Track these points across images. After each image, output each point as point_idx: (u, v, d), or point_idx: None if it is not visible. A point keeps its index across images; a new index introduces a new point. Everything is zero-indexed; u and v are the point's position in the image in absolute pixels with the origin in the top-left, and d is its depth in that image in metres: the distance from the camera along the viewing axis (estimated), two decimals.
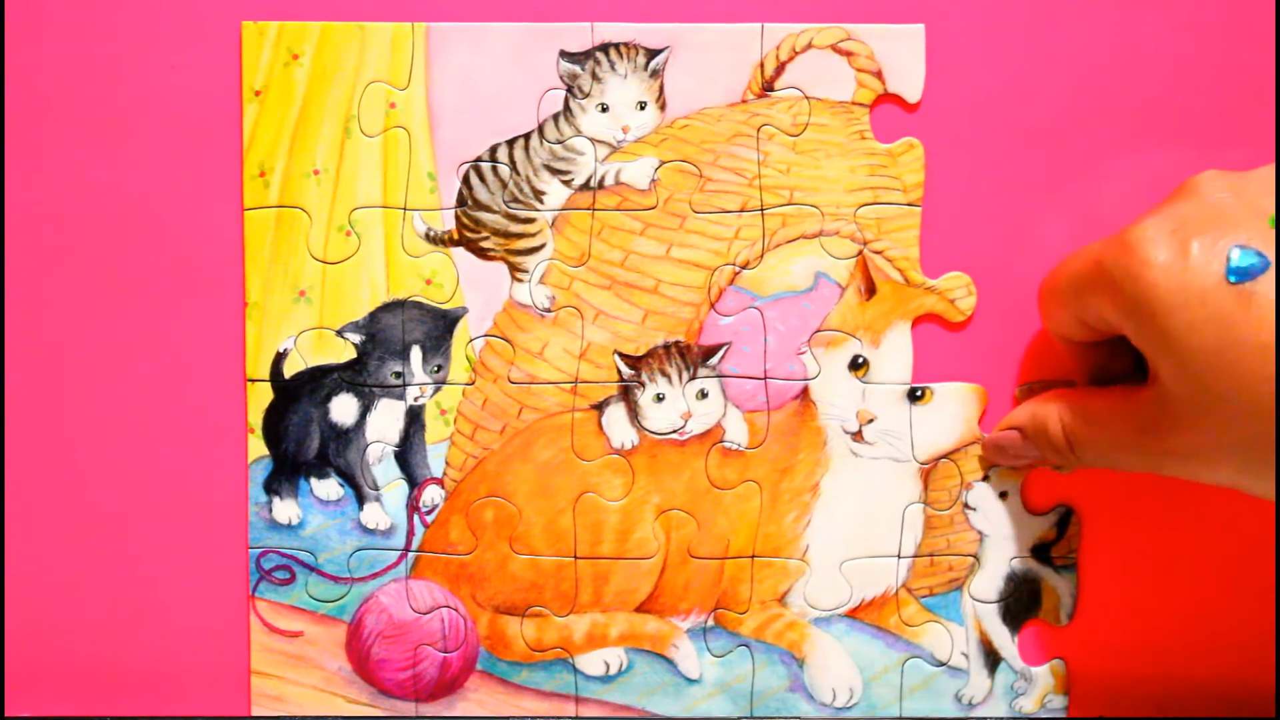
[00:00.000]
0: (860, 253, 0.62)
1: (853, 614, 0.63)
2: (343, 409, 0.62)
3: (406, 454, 0.63)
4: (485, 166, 0.61)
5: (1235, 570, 0.63)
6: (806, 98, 0.61)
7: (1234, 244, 0.48)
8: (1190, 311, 0.48)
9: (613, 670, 0.63)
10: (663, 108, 0.61)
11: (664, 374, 0.62)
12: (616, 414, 0.62)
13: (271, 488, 0.62)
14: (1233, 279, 0.47)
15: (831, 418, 0.62)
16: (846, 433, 0.62)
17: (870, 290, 0.62)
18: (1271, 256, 0.47)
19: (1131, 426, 0.52)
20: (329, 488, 0.63)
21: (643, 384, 0.62)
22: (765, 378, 0.62)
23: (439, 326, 0.62)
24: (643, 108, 0.61)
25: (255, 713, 0.63)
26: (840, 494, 0.62)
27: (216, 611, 0.63)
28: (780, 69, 0.61)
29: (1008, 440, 0.60)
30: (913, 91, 0.61)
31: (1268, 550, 0.63)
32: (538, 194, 0.61)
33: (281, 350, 0.62)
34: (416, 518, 0.63)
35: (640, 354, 0.62)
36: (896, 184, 0.61)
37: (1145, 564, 0.63)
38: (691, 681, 0.63)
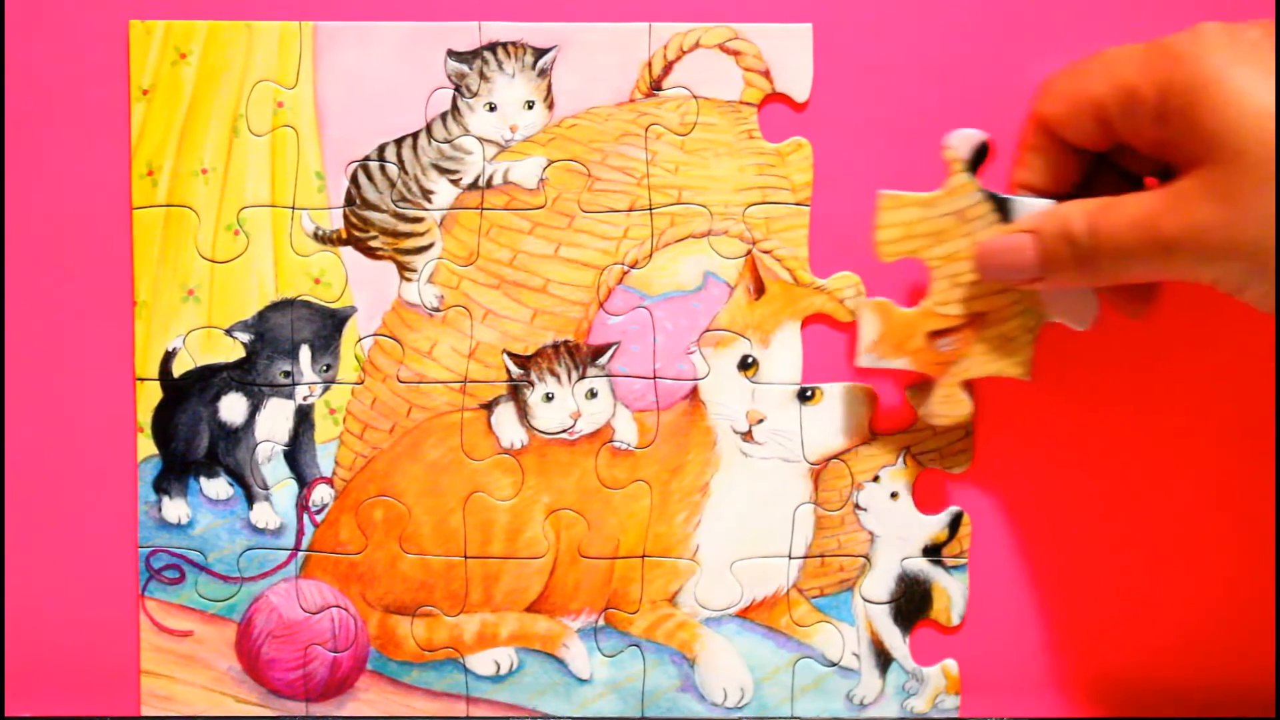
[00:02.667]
0: (749, 252, 0.62)
1: (744, 614, 0.63)
2: (232, 408, 0.62)
3: (296, 453, 0.62)
4: (373, 166, 0.61)
5: (1120, 568, 0.63)
6: (694, 97, 0.61)
7: None
8: (1255, 96, 0.47)
9: (503, 670, 0.63)
10: (551, 107, 0.61)
11: (553, 373, 0.62)
12: (506, 413, 0.62)
13: (161, 487, 0.62)
14: None
15: (721, 417, 0.62)
16: (736, 433, 0.62)
17: (759, 290, 0.62)
18: None
19: (1170, 218, 0.50)
20: (218, 487, 0.63)
21: (532, 383, 0.62)
22: (654, 377, 0.62)
23: (327, 326, 0.62)
24: (530, 107, 0.61)
25: (145, 713, 0.63)
26: (730, 494, 0.62)
27: (105, 611, 0.63)
28: (668, 68, 0.61)
29: (1013, 246, 0.55)
30: (800, 91, 0.61)
31: (1164, 548, 0.63)
32: (426, 193, 0.61)
33: (170, 349, 0.62)
34: (306, 517, 0.63)
35: (529, 353, 0.62)
36: (785, 183, 0.61)
37: (1036, 564, 0.63)
38: (582, 681, 0.63)
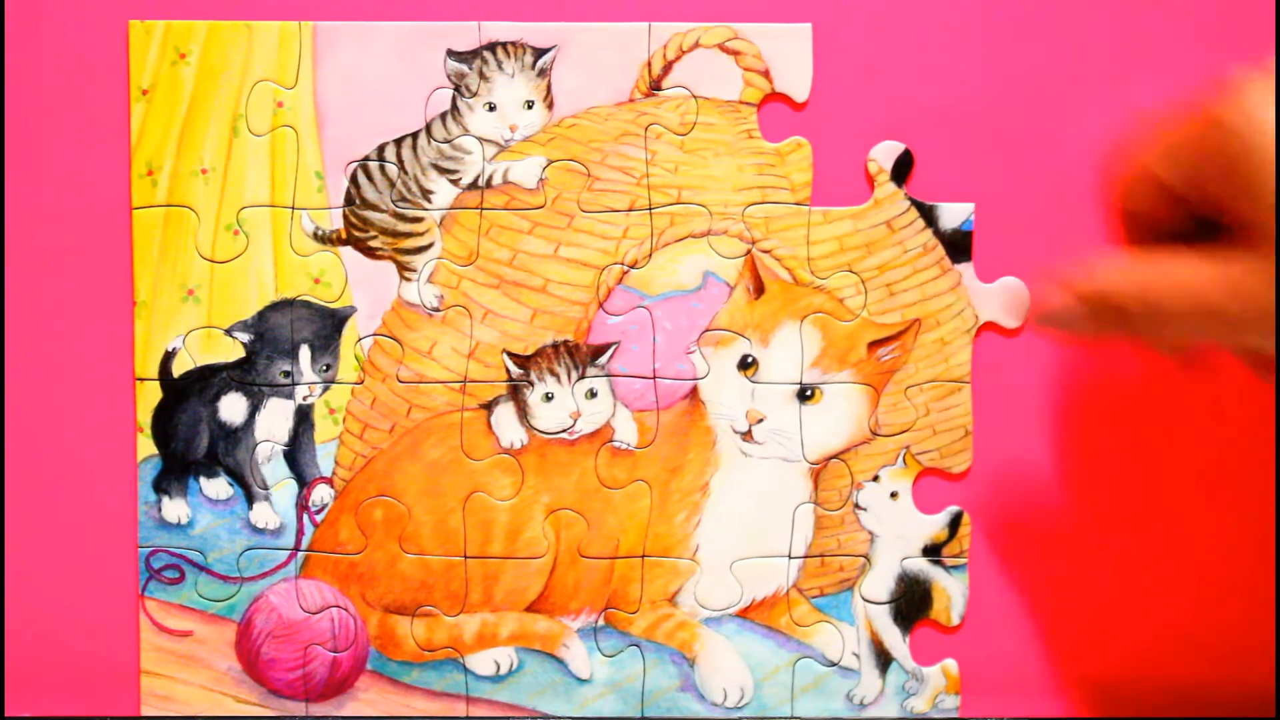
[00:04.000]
0: (748, 252, 0.62)
1: (743, 614, 0.63)
2: (231, 408, 0.62)
3: (295, 453, 0.62)
4: (373, 166, 0.61)
5: (1120, 568, 0.63)
6: (694, 97, 0.61)
7: None
8: None
9: (503, 670, 0.63)
10: (550, 107, 0.61)
11: (553, 373, 0.62)
12: (505, 413, 0.62)
13: (161, 487, 0.62)
14: None
15: (721, 417, 0.62)
16: (736, 432, 0.62)
17: (759, 289, 0.62)
18: None
19: (1225, 288, 0.47)
20: (218, 487, 0.63)
21: (531, 383, 0.62)
22: (654, 377, 0.62)
23: (327, 326, 0.62)
24: (530, 107, 0.61)
25: (145, 713, 0.63)
26: (730, 494, 0.62)
27: (105, 611, 0.63)
28: (667, 68, 0.61)
29: (1065, 310, 0.51)
30: (800, 90, 0.61)
31: (1164, 548, 0.63)
32: (425, 193, 0.61)
33: (170, 349, 0.62)
34: (306, 517, 0.63)
35: (529, 353, 0.62)
36: (784, 183, 0.61)
37: (1036, 564, 0.63)
38: (582, 681, 0.63)
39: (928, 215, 0.61)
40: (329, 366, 0.62)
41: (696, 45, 0.61)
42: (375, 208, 0.61)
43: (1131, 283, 0.50)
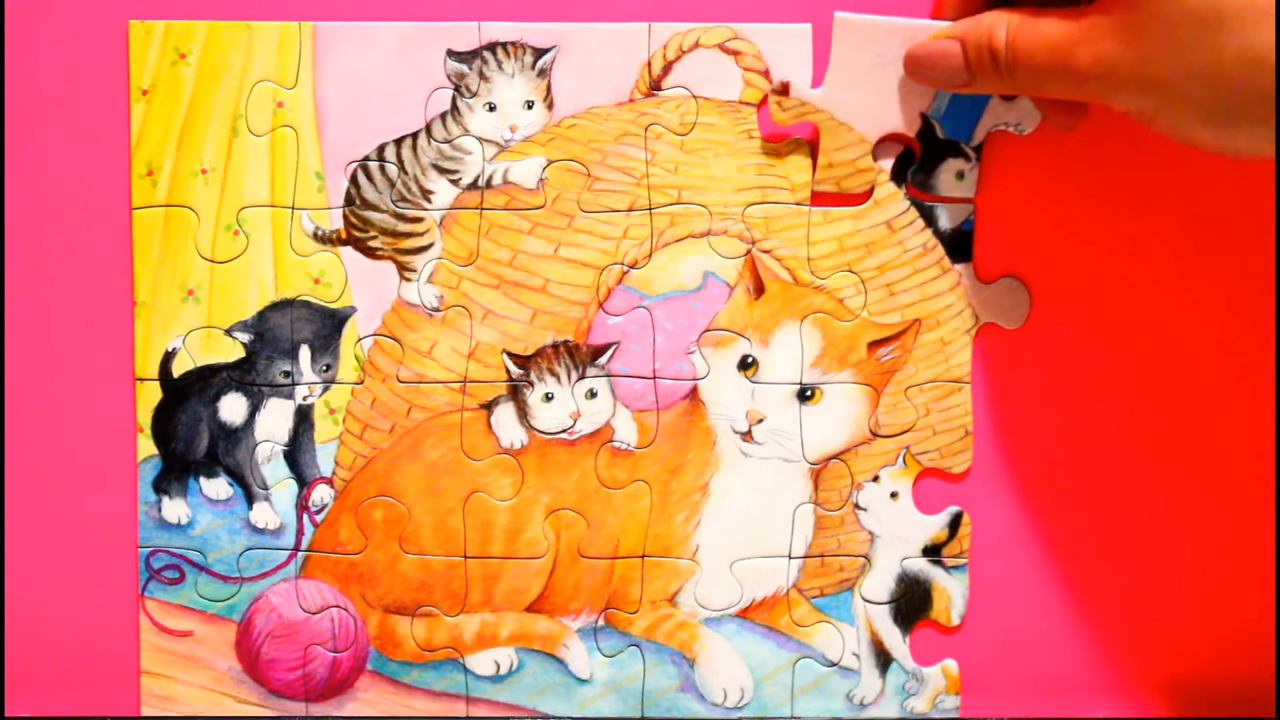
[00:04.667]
0: (748, 252, 0.61)
1: (743, 614, 0.63)
2: (231, 408, 0.62)
3: (295, 453, 0.62)
4: (373, 166, 0.61)
5: (1120, 568, 0.63)
6: (694, 97, 0.61)
7: None
8: None
9: (503, 670, 0.63)
10: (550, 107, 0.61)
11: (553, 373, 0.62)
12: (505, 413, 0.62)
13: (160, 487, 0.62)
14: None
15: (721, 417, 0.62)
16: (736, 432, 0.62)
17: (759, 290, 0.62)
18: None
19: (1080, 38, 0.51)
20: (218, 487, 0.63)
21: (531, 383, 0.62)
22: (654, 377, 0.62)
23: (327, 326, 0.62)
24: (530, 107, 0.61)
25: (144, 713, 0.63)
26: (730, 494, 0.62)
27: (105, 611, 0.63)
28: (668, 68, 0.61)
29: (940, 51, 0.56)
30: (800, 89, 0.61)
31: (1164, 548, 0.63)
32: (425, 193, 0.61)
33: (170, 349, 0.62)
34: (306, 517, 0.63)
35: (529, 353, 0.62)
36: (784, 183, 0.61)
37: (1036, 564, 0.63)
38: (582, 681, 0.63)
39: (928, 215, 0.61)
40: (329, 366, 0.62)
41: (696, 45, 0.61)
42: (375, 208, 0.61)
43: (1005, 34, 0.53)
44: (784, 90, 0.59)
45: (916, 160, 0.60)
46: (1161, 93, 0.49)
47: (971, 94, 0.58)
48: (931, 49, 0.56)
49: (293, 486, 0.63)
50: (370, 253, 0.62)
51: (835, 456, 0.62)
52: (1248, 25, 0.46)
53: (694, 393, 0.62)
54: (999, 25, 0.54)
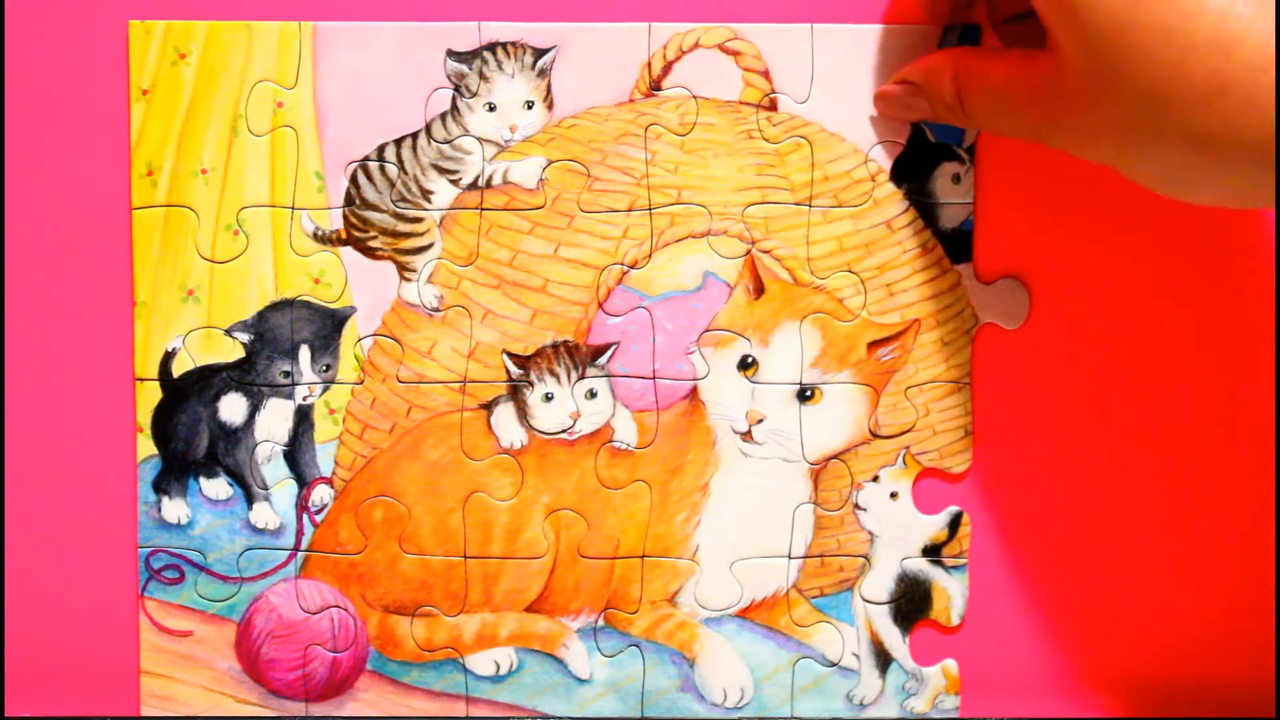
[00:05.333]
0: (748, 252, 0.62)
1: (743, 614, 0.63)
2: (231, 408, 0.62)
3: (295, 453, 0.62)
4: (373, 166, 0.61)
5: (1120, 568, 0.63)
6: (694, 97, 0.61)
7: None
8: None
9: (503, 670, 0.63)
10: (550, 107, 0.61)
11: (552, 373, 0.62)
12: (505, 413, 0.62)
13: (160, 487, 0.62)
14: None
15: (721, 417, 0.62)
16: (736, 433, 0.62)
17: (759, 290, 0.62)
18: None
19: (1024, 91, 0.52)
20: (218, 487, 0.63)
21: (531, 383, 0.62)
22: (654, 377, 0.62)
23: (327, 326, 0.62)
24: (530, 107, 0.61)
25: (144, 713, 0.63)
26: (730, 494, 0.62)
27: (105, 611, 0.63)
28: (667, 68, 0.61)
29: (898, 92, 0.58)
30: (800, 91, 0.61)
31: (1164, 548, 0.63)
32: (425, 193, 0.61)
33: (170, 349, 0.62)
34: (306, 517, 0.63)
35: (529, 353, 0.62)
36: (784, 183, 0.61)
37: (1036, 564, 0.63)
38: (582, 681, 0.63)
39: (927, 215, 0.61)
40: (329, 367, 0.62)
41: (696, 45, 0.61)
42: (375, 208, 0.61)
43: (955, 71, 0.55)
44: (772, 106, 0.59)
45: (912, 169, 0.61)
46: (1114, 155, 0.50)
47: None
48: (894, 93, 0.58)
49: (292, 486, 0.63)
50: (370, 253, 0.62)
51: (835, 456, 0.62)
52: (1191, 107, 0.46)
53: (694, 393, 0.62)
54: (945, 71, 0.56)
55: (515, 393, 0.62)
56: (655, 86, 0.61)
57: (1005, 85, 0.53)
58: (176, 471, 0.62)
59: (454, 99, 0.61)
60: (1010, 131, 0.54)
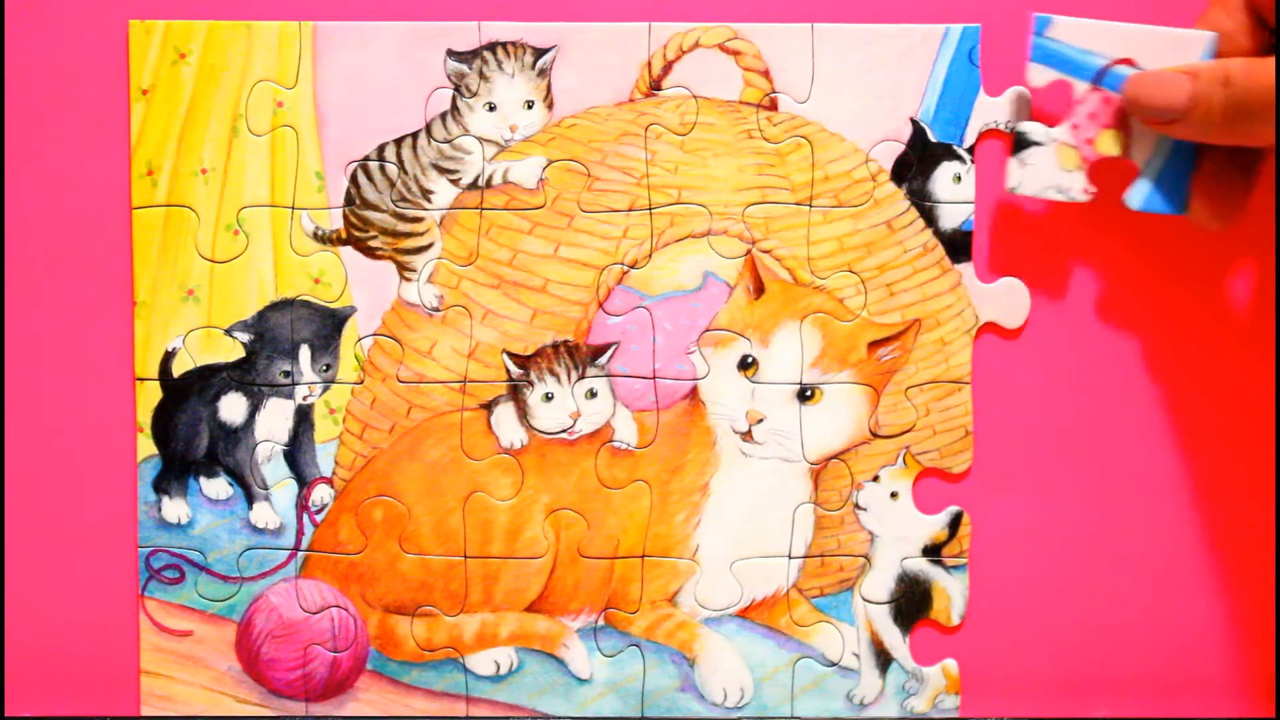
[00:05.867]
0: (748, 252, 0.62)
1: (743, 614, 0.63)
2: (231, 408, 0.62)
3: (295, 453, 0.62)
4: (373, 166, 0.61)
5: (1120, 567, 0.63)
6: (694, 97, 0.61)
7: None
8: None
9: (503, 670, 0.63)
10: (550, 107, 0.61)
11: (552, 373, 0.62)
12: (505, 413, 0.62)
13: (161, 487, 0.62)
14: None
15: (721, 417, 0.62)
16: (736, 432, 0.62)
17: (759, 289, 0.62)
18: None
19: None
20: (218, 487, 0.63)
21: (531, 383, 0.62)
22: (654, 377, 0.62)
23: (327, 325, 0.62)
24: (530, 107, 0.61)
25: (144, 713, 0.63)
26: (730, 494, 0.62)
27: (105, 611, 0.63)
28: (668, 68, 0.61)
29: (1171, 80, 0.55)
30: (801, 91, 0.61)
31: (1163, 548, 0.63)
32: (425, 193, 0.61)
33: (170, 349, 0.62)
34: (306, 517, 0.63)
35: (529, 353, 0.62)
36: (785, 183, 0.61)
37: (1035, 564, 0.63)
38: (582, 681, 0.63)
39: (928, 215, 0.61)
40: (329, 366, 0.62)
41: (696, 45, 0.61)
42: (375, 208, 0.61)
43: (1240, 68, 0.54)
44: (772, 106, 0.59)
45: (913, 168, 0.61)
46: None
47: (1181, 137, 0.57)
48: (1161, 78, 0.56)
49: (293, 486, 0.63)
50: (370, 253, 0.62)
51: (835, 456, 0.62)
52: None
53: (694, 393, 0.62)
54: (1236, 62, 0.55)
55: (515, 392, 0.62)
56: (655, 86, 0.61)
57: None
58: (177, 471, 0.62)
59: (454, 99, 0.61)
60: (1258, 134, 0.54)
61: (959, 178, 0.61)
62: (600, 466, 0.62)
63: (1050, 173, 0.58)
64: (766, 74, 0.61)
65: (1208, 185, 0.58)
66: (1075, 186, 0.58)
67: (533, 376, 0.62)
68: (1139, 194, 0.58)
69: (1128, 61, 0.57)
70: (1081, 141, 0.58)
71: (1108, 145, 0.58)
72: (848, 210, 0.61)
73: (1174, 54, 0.57)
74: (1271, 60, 0.54)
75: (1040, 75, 0.58)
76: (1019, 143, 0.59)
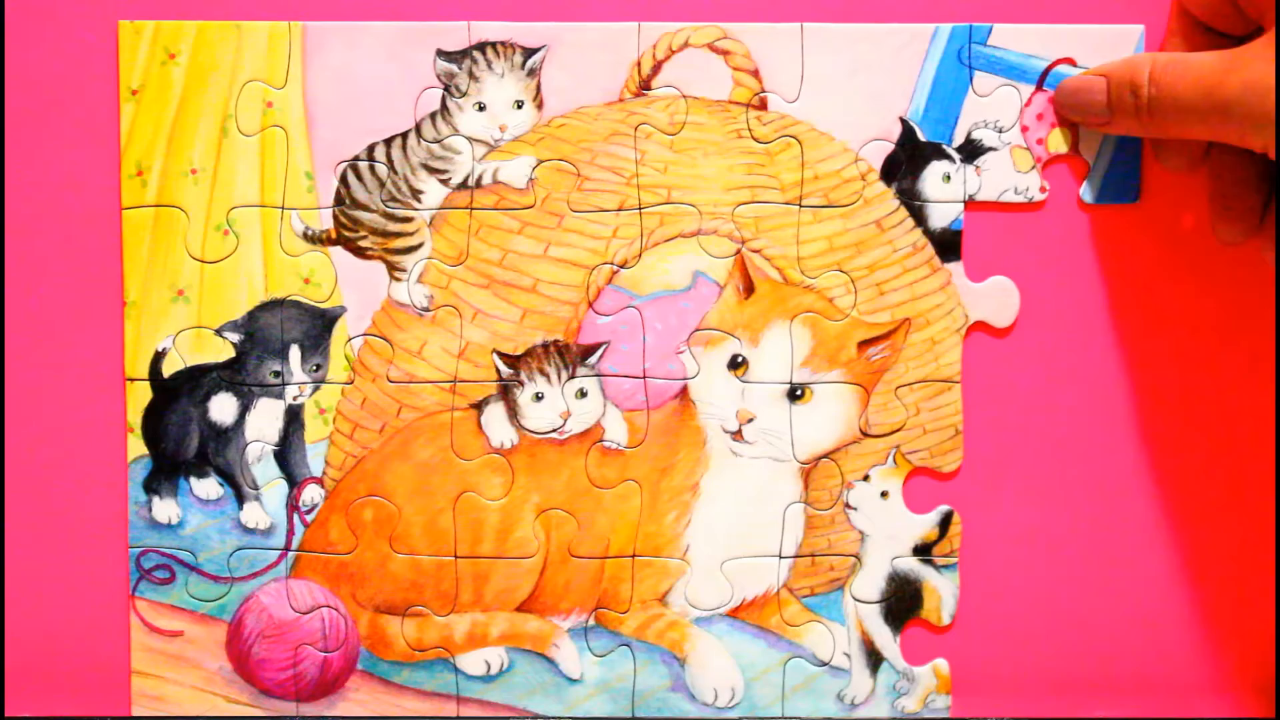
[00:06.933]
0: (738, 251, 0.62)
1: (734, 614, 0.63)
2: (222, 408, 0.62)
3: (286, 453, 0.62)
4: (363, 166, 0.61)
5: (1113, 567, 0.63)
6: (683, 96, 0.61)
7: None
8: None
9: (494, 670, 0.63)
10: (540, 107, 0.61)
11: (543, 373, 0.62)
12: (495, 413, 0.62)
13: (151, 487, 0.62)
14: None
15: (711, 417, 0.62)
16: (726, 432, 0.62)
17: (749, 289, 0.62)
18: None
19: (1228, 75, 0.52)
20: (208, 487, 0.63)
21: (521, 383, 0.62)
22: (644, 377, 0.62)
23: (317, 325, 0.62)
24: (520, 107, 0.61)
25: (135, 713, 0.63)
26: (721, 493, 0.62)
27: (96, 611, 0.63)
28: (657, 68, 0.61)
29: (1085, 86, 0.58)
30: (790, 90, 0.61)
31: (1158, 547, 0.63)
32: (415, 193, 0.61)
33: (160, 349, 0.62)
34: (296, 517, 0.63)
35: (519, 353, 0.62)
36: (774, 183, 0.61)
37: (1026, 563, 0.63)
38: (572, 681, 0.63)
39: (917, 214, 0.61)
40: (319, 366, 0.62)
41: (686, 45, 0.61)
42: (365, 208, 0.61)
43: (1148, 70, 0.55)
44: (762, 105, 0.59)
45: (902, 167, 0.61)
46: None
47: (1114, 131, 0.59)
48: (1080, 84, 0.59)
49: (283, 486, 0.63)
50: (360, 253, 0.62)
51: (825, 456, 0.62)
52: None
53: (684, 392, 0.62)
54: (1144, 63, 0.56)
55: (505, 392, 0.62)
56: (645, 86, 0.61)
57: (1208, 67, 0.53)
58: (167, 471, 0.62)
59: (444, 99, 0.61)
60: (1196, 126, 0.54)
61: (948, 177, 0.61)
62: (590, 466, 0.62)
63: (1006, 175, 0.60)
64: (756, 74, 0.61)
65: (1225, 201, 0.58)
66: (1032, 186, 0.60)
67: (523, 376, 0.62)
68: (1092, 188, 0.60)
69: (1068, 61, 0.59)
70: (1033, 142, 0.60)
71: (1058, 144, 0.60)
72: (837, 209, 0.61)
73: (1109, 50, 0.59)
74: (1195, 55, 0.54)
75: (986, 83, 0.59)
76: (975, 150, 0.60)
